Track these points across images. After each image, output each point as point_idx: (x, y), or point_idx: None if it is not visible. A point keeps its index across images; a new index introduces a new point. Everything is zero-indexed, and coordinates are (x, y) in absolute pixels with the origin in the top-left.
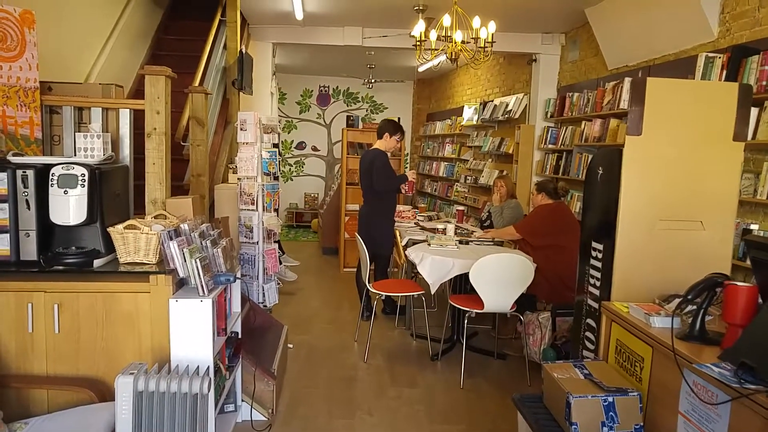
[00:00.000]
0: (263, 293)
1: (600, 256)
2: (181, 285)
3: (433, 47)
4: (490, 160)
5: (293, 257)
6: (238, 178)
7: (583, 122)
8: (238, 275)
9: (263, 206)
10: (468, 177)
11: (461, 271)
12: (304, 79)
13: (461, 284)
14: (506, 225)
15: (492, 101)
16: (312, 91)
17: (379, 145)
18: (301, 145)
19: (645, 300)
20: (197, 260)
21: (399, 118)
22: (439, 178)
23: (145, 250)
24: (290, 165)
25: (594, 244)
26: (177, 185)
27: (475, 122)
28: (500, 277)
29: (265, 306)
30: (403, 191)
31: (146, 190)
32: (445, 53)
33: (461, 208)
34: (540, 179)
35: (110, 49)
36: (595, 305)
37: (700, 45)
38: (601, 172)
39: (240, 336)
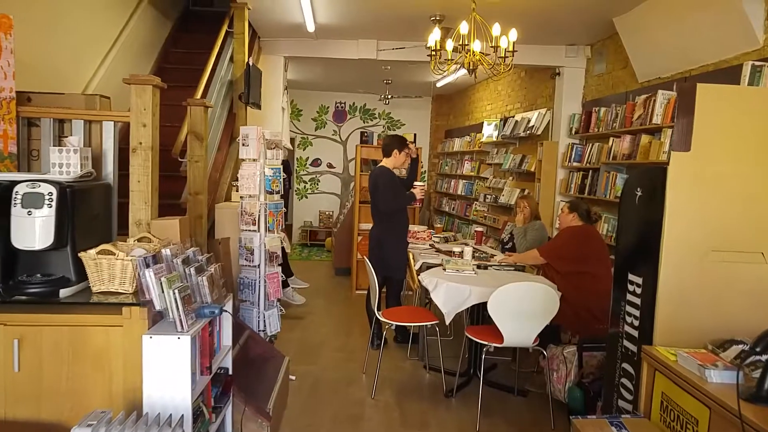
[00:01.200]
0: (264, 321)
1: (638, 291)
2: (160, 318)
3: (449, 57)
4: (510, 178)
5: (303, 279)
6: (240, 197)
7: (611, 139)
8: (226, 307)
9: (266, 227)
10: (488, 196)
11: (479, 300)
12: (320, 95)
13: (479, 312)
14: (530, 248)
15: (513, 117)
16: (328, 107)
17: (386, 162)
18: (316, 162)
19: (694, 345)
20: (176, 291)
21: (415, 135)
22: (458, 196)
23: (121, 277)
24: (305, 182)
25: (631, 276)
26: (174, 204)
27: (495, 139)
28: (522, 309)
29: (266, 335)
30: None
31: (130, 210)
32: (463, 65)
33: (480, 228)
34: (565, 199)
35: (112, 60)
36: (633, 348)
37: (744, 53)
38: (639, 193)
39: (230, 372)
